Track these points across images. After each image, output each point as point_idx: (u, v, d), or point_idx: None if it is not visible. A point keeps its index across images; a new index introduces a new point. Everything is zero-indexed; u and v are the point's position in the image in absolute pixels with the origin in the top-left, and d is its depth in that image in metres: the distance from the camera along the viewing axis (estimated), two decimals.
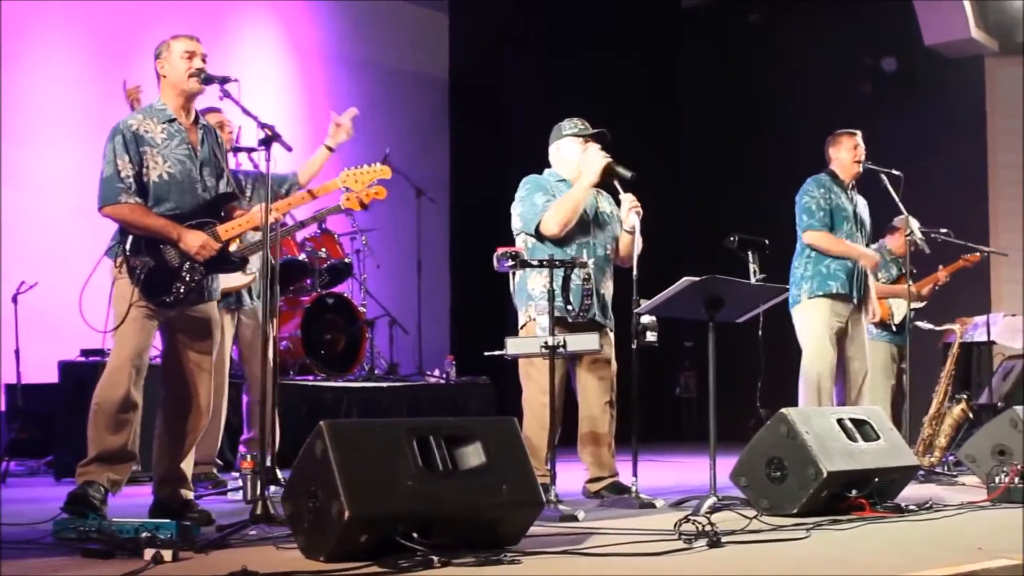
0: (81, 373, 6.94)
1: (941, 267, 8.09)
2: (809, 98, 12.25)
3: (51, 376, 7.33)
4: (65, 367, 7.20)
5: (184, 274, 4.81)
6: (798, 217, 6.99)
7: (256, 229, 4.96)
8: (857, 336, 6.98)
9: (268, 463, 4.86)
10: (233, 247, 4.99)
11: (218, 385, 6.28)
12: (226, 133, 6.16)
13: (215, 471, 6.43)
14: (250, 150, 5.80)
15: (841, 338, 6.90)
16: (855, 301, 6.94)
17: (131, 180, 4.76)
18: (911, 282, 7.41)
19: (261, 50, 10.54)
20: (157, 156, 4.81)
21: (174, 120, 4.89)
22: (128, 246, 4.77)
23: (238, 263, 5.00)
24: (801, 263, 6.96)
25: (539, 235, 5.81)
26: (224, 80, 4.83)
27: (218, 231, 4.86)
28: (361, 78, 11.30)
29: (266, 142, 4.77)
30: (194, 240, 4.78)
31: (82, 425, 4.84)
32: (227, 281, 6.14)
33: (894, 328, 7.85)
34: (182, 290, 4.81)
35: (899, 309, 7.76)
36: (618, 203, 5.89)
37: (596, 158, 5.80)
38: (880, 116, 11.23)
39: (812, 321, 6.86)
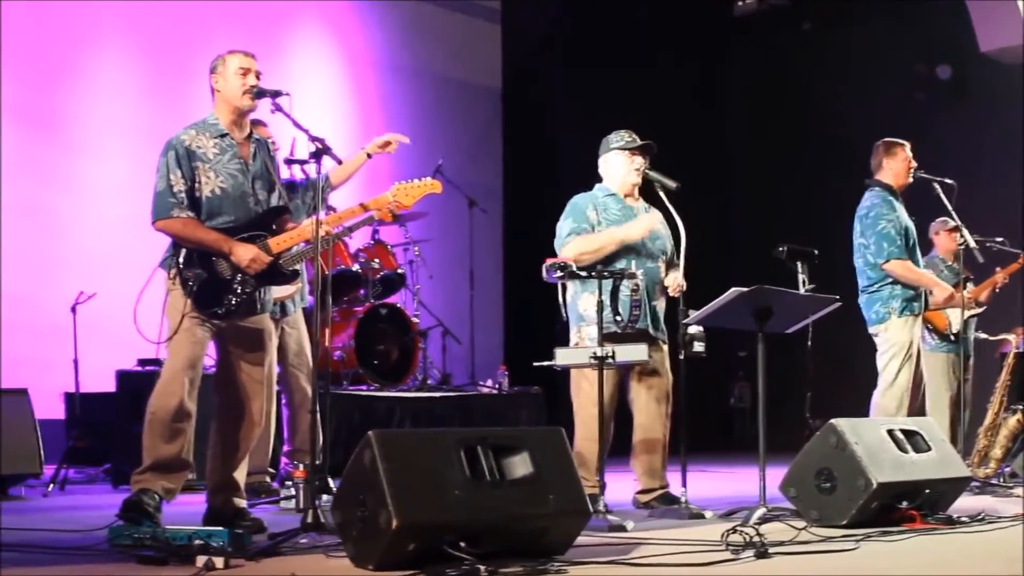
0: (137, 382, 7.04)
1: (998, 268, 8.01)
2: (861, 106, 12.16)
3: (108, 385, 7.44)
4: (122, 376, 7.30)
5: (236, 286, 4.87)
6: (875, 242, 6.80)
7: (307, 242, 5.02)
8: (920, 349, 6.94)
9: (318, 471, 4.90)
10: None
11: (269, 395, 6.35)
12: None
13: (268, 480, 6.49)
14: (302, 162, 5.86)
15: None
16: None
17: (183, 195, 4.83)
18: (968, 288, 7.33)
19: (314, 60, 10.65)
20: (209, 171, 4.88)
21: (226, 135, 4.95)
22: (181, 259, 4.84)
23: (289, 275, 5.05)
24: (881, 285, 6.82)
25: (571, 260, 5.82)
26: (276, 94, 4.89)
27: (269, 244, 4.91)
28: (413, 87, 11.38)
29: (317, 155, 4.83)
30: (245, 253, 4.84)
31: (138, 434, 4.91)
32: (279, 290, 6.22)
33: (952, 338, 7.79)
34: (234, 302, 4.87)
35: (956, 318, 7.69)
36: (663, 212, 5.90)
37: (638, 226, 5.82)
38: (933, 123, 11.15)
39: (899, 341, 6.76)
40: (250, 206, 4.95)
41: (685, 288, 5.78)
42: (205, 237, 4.83)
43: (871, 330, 6.85)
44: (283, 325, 6.52)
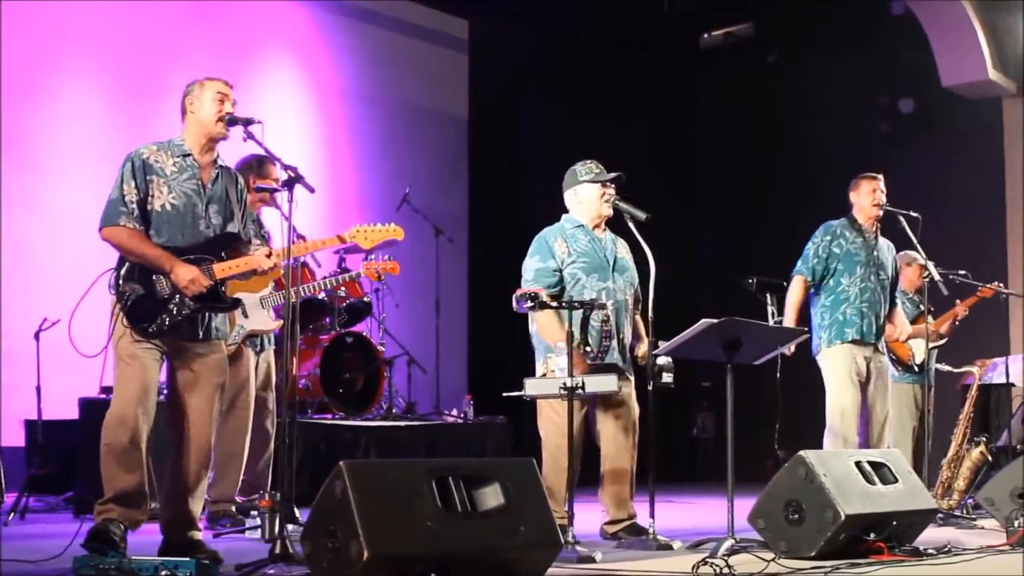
0: (100, 410, 6.84)
1: (958, 301, 8.08)
2: (826, 138, 12.27)
3: (71, 413, 7.37)
4: (85, 404, 7.24)
5: (172, 306, 4.79)
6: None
7: (255, 272, 4.97)
8: (879, 378, 6.98)
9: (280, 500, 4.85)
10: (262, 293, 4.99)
11: (240, 425, 6.31)
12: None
13: (234, 509, 6.43)
14: (273, 191, 5.86)
15: (863, 381, 6.91)
16: (874, 343, 6.95)
17: (134, 205, 4.79)
18: (930, 320, 7.40)
19: (282, 87, 10.63)
20: (163, 186, 4.83)
21: (189, 155, 4.92)
22: (123, 272, 4.80)
23: (229, 303, 4.98)
24: (818, 312, 6.99)
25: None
26: (248, 122, 4.87)
27: (213, 269, 4.86)
28: (381, 116, 11.38)
29: (289, 183, 4.81)
30: (186, 273, 4.77)
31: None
32: (255, 324, 6.20)
33: (915, 369, 7.84)
34: (167, 321, 4.79)
35: (919, 349, 7.74)
36: (632, 243, 5.91)
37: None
38: (897, 156, 11.26)
39: (834, 368, 6.88)
40: (200, 228, 4.89)
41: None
42: (148, 251, 4.78)
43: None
44: (258, 359, 6.48)
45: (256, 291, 6.02)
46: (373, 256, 7.93)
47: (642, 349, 5.88)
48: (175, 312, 4.80)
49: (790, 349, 6.31)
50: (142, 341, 4.79)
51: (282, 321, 6.39)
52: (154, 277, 4.79)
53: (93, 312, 4.97)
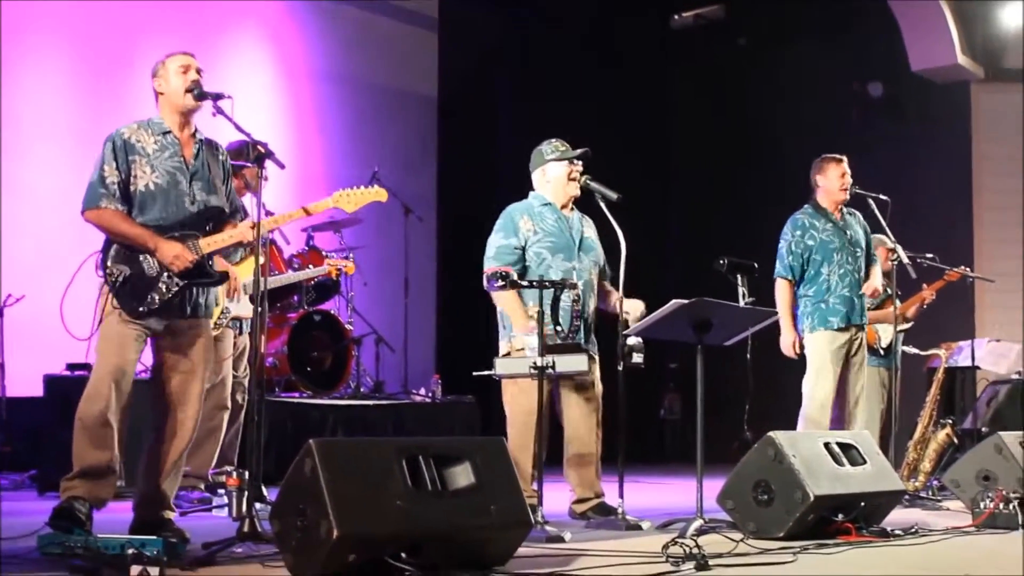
0: (66, 387, 6.91)
1: (925, 285, 8.12)
2: (796, 122, 12.31)
3: (36, 390, 7.29)
4: (50, 381, 7.16)
5: (161, 284, 4.76)
6: (777, 260, 7.09)
7: (241, 245, 4.95)
8: (858, 354, 7.03)
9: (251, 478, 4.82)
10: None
11: (219, 403, 6.31)
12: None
13: (203, 486, 6.39)
14: (242, 166, 5.80)
15: (843, 363, 6.94)
16: (858, 323, 6.99)
17: (115, 187, 4.74)
18: (897, 303, 7.43)
19: (250, 67, 10.55)
20: (146, 166, 4.79)
21: (168, 132, 4.88)
22: (111, 253, 4.76)
23: (216, 277, 4.95)
24: (801, 300, 7.00)
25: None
26: (218, 96, 4.82)
27: (200, 244, 4.82)
28: (350, 96, 11.32)
29: (259, 159, 4.77)
30: (169, 250, 4.73)
31: (66, 439, 4.79)
32: (240, 310, 6.20)
33: (882, 352, 7.87)
34: (156, 299, 4.76)
35: (886, 333, 7.78)
36: (602, 224, 5.90)
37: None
38: (867, 141, 11.30)
39: (815, 356, 6.94)
40: (185, 205, 4.85)
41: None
42: (130, 231, 4.74)
43: None
44: (236, 340, 6.49)
45: (243, 277, 5.99)
46: (332, 254, 8.01)
47: (613, 298, 5.87)
48: (164, 290, 4.77)
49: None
50: (129, 321, 4.75)
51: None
52: (141, 257, 4.76)
53: (73, 292, 4.91)
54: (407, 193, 10.19)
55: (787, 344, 6.98)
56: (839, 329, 6.92)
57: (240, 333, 6.51)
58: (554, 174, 6.02)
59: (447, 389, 9.46)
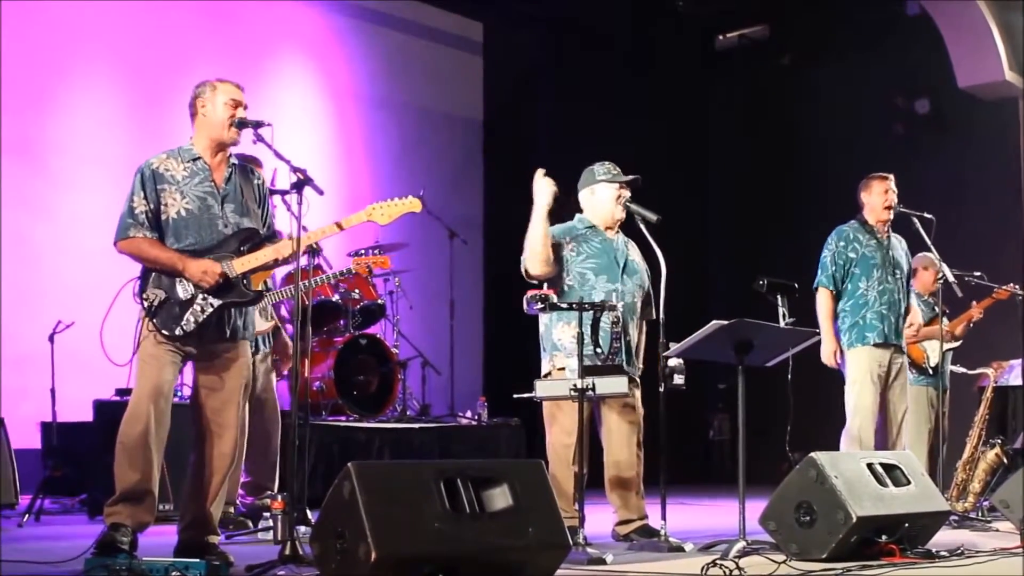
0: (115, 412, 6.93)
1: (974, 303, 8.05)
2: (841, 140, 12.25)
3: (86, 415, 7.39)
4: (99, 406, 7.25)
5: (196, 306, 4.82)
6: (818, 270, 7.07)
7: (277, 263, 4.99)
8: (899, 378, 6.97)
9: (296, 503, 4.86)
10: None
11: (243, 427, 6.33)
12: None
13: (232, 511, 6.38)
14: (283, 193, 5.85)
15: (883, 382, 6.90)
16: (896, 343, 6.94)
17: (143, 216, 4.81)
18: (945, 322, 7.37)
19: (295, 90, 10.66)
20: (175, 193, 4.85)
21: (199, 159, 4.93)
22: (150, 280, 4.83)
23: (251, 295, 4.96)
24: (840, 315, 6.96)
25: (532, 278, 5.91)
26: (258, 124, 4.88)
27: (233, 264, 4.87)
28: (395, 119, 11.40)
29: (298, 186, 4.81)
30: (197, 267, 4.79)
31: (114, 464, 4.86)
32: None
33: (930, 371, 7.81)
34: (192, 322, 4.81)
35: (934, 351, 7.71)
36: (643, 246, 5.92)
37: (541, 188, 5.92)
38: (913, 158, 11.22)
39: (853, 371, 6.89)
40: (219, 227, 4.90)
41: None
42: (160, 255, 4.81)
43: None
44: (254, 360, 6.49)
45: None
46: (363, 251, 7.94)
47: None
48: (200, 311, 4.83)
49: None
50: (165, 343, 4.80)
51: (275, 322, 6.41)
52: (177, 282, 4.82)
53: (113, 319, 4.98)
54: (453, 215, 10.24)
55: (827, 353, 6.93)
56: (876, 345, 6.87)
57: (255, 352, 6.42)
58: (603, 195, 6.06)
59: (493, 411, 9.47)
